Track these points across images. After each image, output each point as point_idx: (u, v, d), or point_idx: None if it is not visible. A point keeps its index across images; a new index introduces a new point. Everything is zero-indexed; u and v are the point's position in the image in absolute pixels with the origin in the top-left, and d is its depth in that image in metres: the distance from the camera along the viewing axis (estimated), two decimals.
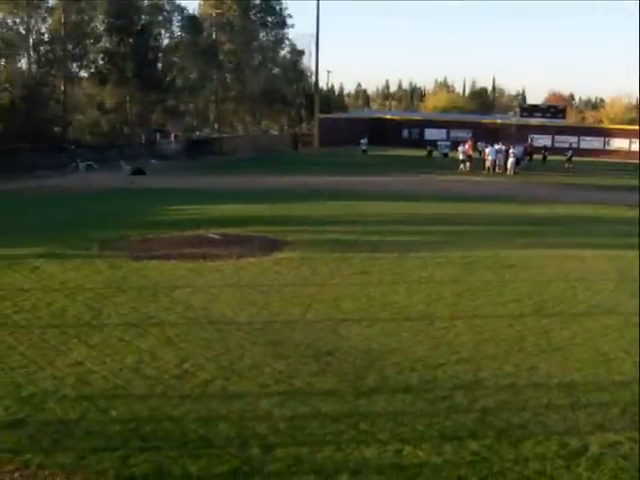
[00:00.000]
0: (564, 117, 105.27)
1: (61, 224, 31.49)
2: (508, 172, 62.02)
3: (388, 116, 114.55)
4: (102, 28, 73.90)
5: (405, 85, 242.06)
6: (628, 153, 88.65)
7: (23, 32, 70.18)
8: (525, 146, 75.19)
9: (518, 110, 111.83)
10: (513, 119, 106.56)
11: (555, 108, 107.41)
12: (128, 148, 69.11)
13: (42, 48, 72.10)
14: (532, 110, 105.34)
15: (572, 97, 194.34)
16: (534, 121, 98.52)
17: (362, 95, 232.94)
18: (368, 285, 21.17)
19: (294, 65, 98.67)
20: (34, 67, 71.04)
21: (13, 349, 15.20)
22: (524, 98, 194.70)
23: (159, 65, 79.07)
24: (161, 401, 12.60)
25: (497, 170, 62.98)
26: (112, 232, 29.09)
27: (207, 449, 10.84)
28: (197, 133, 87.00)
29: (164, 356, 14.83)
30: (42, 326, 16.88)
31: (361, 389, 13.30)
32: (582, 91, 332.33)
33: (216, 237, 28.05)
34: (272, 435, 11.36)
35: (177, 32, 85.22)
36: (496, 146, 65.71)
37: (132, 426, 11.56)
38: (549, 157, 75.41)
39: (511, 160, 62.65)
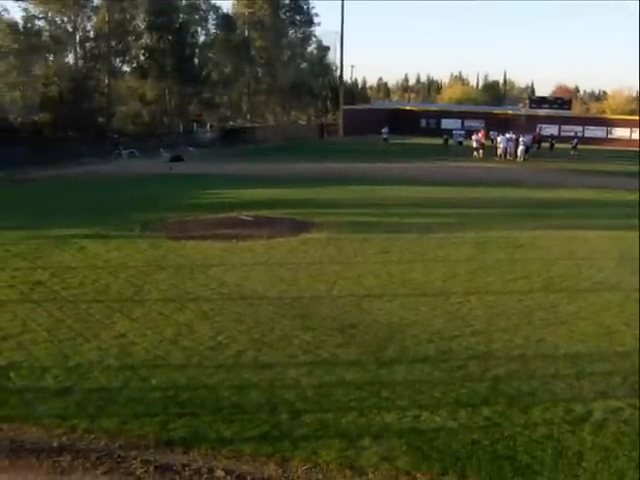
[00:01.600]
0: (570, 108, 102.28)
1: (105, 207, 31.54)
2: (518, 159, 61.34)
3: (407, 107, 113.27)
4: (143, 26, 73.84)
5: (423, 78, 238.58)
6: (629, 141, 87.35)
7: (70, 30, 70.22)
8: (534, 135, 74.44)
9: (527, 102, 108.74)
10: (523, 110, 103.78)
11: (561, 100, 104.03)
12: (167, 137, 69.14)
13: (88, 44, 72.14)
14: (540, 102, 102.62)
15: (577, 90, 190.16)
16: (542, 112, 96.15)
17: (383, 88, 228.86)
18: (389, 263, 21.12)
19: (320, 60, 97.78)
20: (80, 62, 71.06)
21: (61, 322, 15.29)
22: (533, 90, 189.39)
23: (196, 60, 78.94)
24: (197, 370, 12.64)
25: (508, 157, 62.29)
26: (152, 214, 29.20)
27: (240, 415, 10.87)
28: (231, 123, 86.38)
29: (200, 329, 14.88)
30: (88, 301, 16.99)
31: (382, 359, 13.32)
32: (586, 84, 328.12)
33: (248, 219, 28.02)
34: (300, 402, 11.40)
35: (212, 30, 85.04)
36: (507, 135, 64.88)
37: (171, 393, 11.64)
38: (556, 145, 74.37)
39: (521, 148, 61.96)
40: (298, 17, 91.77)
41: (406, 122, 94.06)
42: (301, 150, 67.35)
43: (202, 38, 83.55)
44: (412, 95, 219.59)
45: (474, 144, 64.62)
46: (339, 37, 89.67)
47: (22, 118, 61.20)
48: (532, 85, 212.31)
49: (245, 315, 15.79)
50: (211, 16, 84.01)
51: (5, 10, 67.66)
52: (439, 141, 76.90)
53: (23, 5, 66.81)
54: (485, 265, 21.13)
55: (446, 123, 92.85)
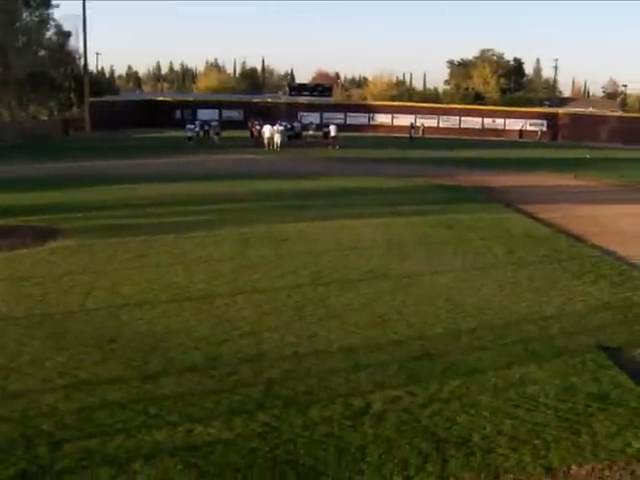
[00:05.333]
0: (331, 95, 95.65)
1: None
2: (275, 147, 53.87)
3: (160, 98, 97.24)
4: None
5: (177, 67, 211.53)
6: (391, 127, 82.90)
7: None
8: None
9: (287, 89, 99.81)
10: (283, 98, 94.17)
11: (322, 87, 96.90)
12: None
13: None
14: (300, 89, 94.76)
15: (337, 76, 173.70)
16: (303, 99, 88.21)
17: (134, 77, 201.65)
18: (147, 268, 17.18)
19: (61, 47, 75.04)
20: None
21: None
22: (293, 78, 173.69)
23: None
24: None
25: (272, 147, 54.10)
26: None
27: None
28: None
29: None
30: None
31: (147, 373, 10.75)
32: (348, 70, 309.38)
33: None
34: (59, 431, 8.96)
35: None
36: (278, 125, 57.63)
37: None
38: (315, 133, 65.18)
39: (277, 136, 54.64)
40: None
41: (160, 114, 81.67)
42: (43, 149, 53.82)
43: None
44: (165, 85, 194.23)
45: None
46: (81, 21, 72.99)
47: None
48: (292, 72, 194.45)
49: None
50: None
51: None
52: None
53: None
54: (250, 263, 17.81)
55: (202, 114, 77.59)
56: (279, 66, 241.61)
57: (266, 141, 54.47)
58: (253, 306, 14.07)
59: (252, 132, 61.79)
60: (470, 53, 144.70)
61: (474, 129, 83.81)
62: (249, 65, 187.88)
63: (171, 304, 14.22)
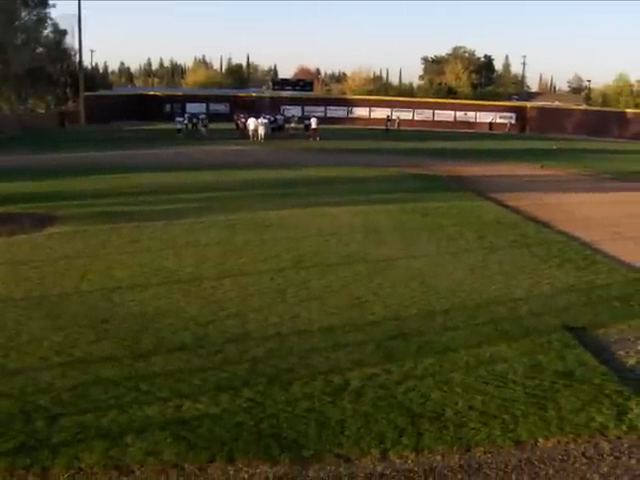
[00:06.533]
0: (312, 90, 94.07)
1: None
2: (259, 139, 53.32)
3: (151, 92, 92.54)
4: None
5: (166, 63, 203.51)
6: (368, 120, 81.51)
7: None
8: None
9: (271, 84, 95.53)
10: (267, 92, 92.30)
11: (304, 82, 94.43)
12: None
13: None
14: (283, 84, 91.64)
15: (318, 71, 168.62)
16: (285, 93, 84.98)
17: (126, 73, 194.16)
18: (138, 252, 17.11)
19: (57, 44, 73.54)
20: None
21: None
22: (276, 73, 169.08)
23: None
24: None
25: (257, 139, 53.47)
26: None
27: None
28: None
29: None
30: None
31: (138, 352, 10.70)
32: (328, 66, 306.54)
33: None
34: (56, 406, 8.94)
35: None
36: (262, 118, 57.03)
37: None
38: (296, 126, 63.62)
39: (261, 128, 54.17)
40: None
41: (150, 107, 78.83)
42: (41, 140, 52.04)
43: None
44: (156, 80, 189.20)
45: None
46: (77, 20, 72.06)
47: None
48: (275, 68, 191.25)
49: None
50: None
51: None
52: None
53: None
54: (236, 247, 17.77)
55: (191, 107, 74.81)
56: (263, 62, 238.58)
57: (251, 133, 54.32)
58: (239, 288, 14.05)
59: (237, 125, 61.35)
60: (443, 50, 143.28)
61: (447, 122, 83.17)
62: (235, 61, 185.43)
63: (161, 287, 14.18)
